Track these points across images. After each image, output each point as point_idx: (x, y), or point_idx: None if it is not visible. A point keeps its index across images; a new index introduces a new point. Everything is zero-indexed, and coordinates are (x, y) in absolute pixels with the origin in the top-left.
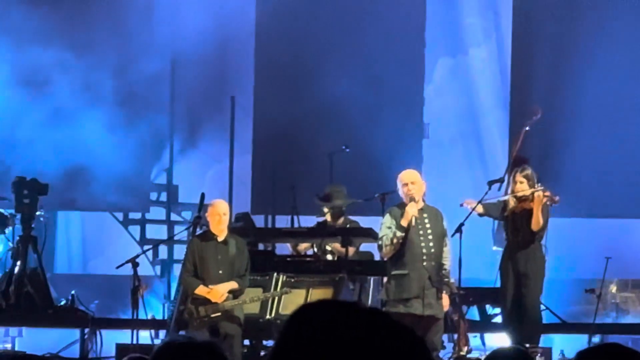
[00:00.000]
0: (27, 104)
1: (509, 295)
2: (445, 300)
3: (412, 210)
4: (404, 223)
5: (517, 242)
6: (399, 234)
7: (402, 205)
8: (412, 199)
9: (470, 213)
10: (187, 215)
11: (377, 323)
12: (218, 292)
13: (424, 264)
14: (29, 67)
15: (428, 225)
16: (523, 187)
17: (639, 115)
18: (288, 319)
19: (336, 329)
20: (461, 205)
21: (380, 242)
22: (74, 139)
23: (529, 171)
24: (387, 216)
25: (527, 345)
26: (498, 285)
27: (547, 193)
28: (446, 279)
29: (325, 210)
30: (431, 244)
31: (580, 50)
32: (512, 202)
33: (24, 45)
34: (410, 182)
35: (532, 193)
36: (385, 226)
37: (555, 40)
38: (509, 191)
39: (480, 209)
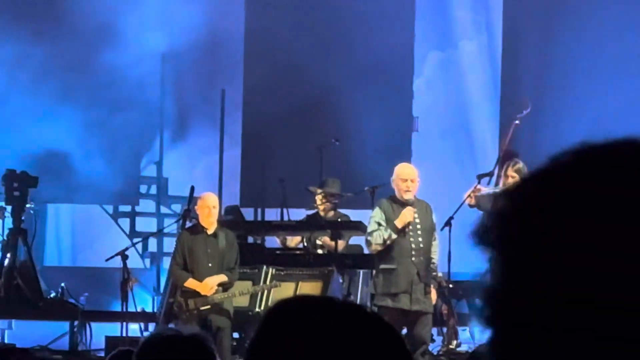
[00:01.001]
0: (20, 92)
1: None
2: (433, 294)
3: (409, 215)
4: (398, 225)
5: None
6: (394, 236)
7: (393, 199)
8: (407, 201)
9: (460, 206)
10: (177, 208)
11: (354, 317)
12: (207, 285)
13: (413, 259)
14: (19, 55)
15: (417, 221)
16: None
17: (627, 110)
18: (263, 315)
19: (313, 323)
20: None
21: (369, 238)
22: (65, 132)
23: (520, 165)
24: (377, 210)
25: None
26: None
27: None
28: (434, 273)
29: (317, 201)
30: (420, 239)
31: (569, 44)
32: None
33: (12, 34)
34: (410, 179)
35: None
36: (374, 220)
37: (545, 34)
38: (501, 185)
39: (472, 200)
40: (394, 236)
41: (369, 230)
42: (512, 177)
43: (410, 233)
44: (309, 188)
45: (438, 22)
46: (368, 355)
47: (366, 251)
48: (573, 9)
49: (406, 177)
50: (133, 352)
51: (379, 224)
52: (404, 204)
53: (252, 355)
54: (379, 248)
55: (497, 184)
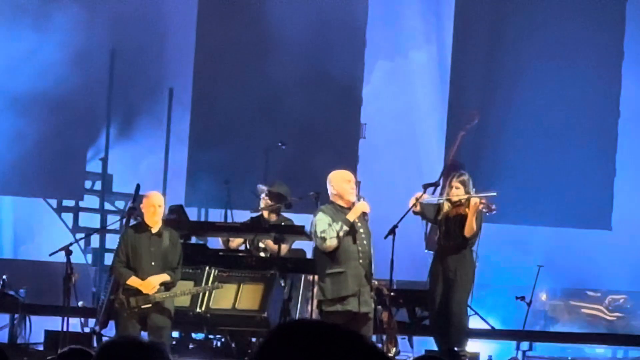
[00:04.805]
0: None
1: (437, 299)
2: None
3: (362, 206)
4: (351, 218)
5: (449, 246)
6: (345, 227)
7: (335, 205)
8: (352, 204)
9: (406, 214)
10: (121, 204)
11: (352, 344)
12: (150, 283)
13: (360, 261)
14: None
15: (360, 224)
16: (459, 193)
17: (573, 124)
18: (266, 337)
19: (315, 349)
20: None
21: (324, 235)
22: (10, 123)
23: (465, 177)
24: (322, 214)
25: (456, 349)
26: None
27: (484, 200)
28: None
29: (262, 203)
30: (365, 242)
31: (517, 57)
32: (446, 207)
33: None
34: (353, 180)
35: (468, 199)
36: (324, 222)
37: (494, 47)
38: (445, 195)
39: (417, 207)
40: (345, 228)
41: (320, 229)
42: (457, 187)
43: (355, 236)
44: (258, 185)
45: (389, 30)
46: None
47: (309, 256)
48: (521, 23)
49: (350, 178)
50: (83, 351)
51: (329, 224)
52: (344, 208)
53: None
54: (335, 243)
55: (442, 194)
